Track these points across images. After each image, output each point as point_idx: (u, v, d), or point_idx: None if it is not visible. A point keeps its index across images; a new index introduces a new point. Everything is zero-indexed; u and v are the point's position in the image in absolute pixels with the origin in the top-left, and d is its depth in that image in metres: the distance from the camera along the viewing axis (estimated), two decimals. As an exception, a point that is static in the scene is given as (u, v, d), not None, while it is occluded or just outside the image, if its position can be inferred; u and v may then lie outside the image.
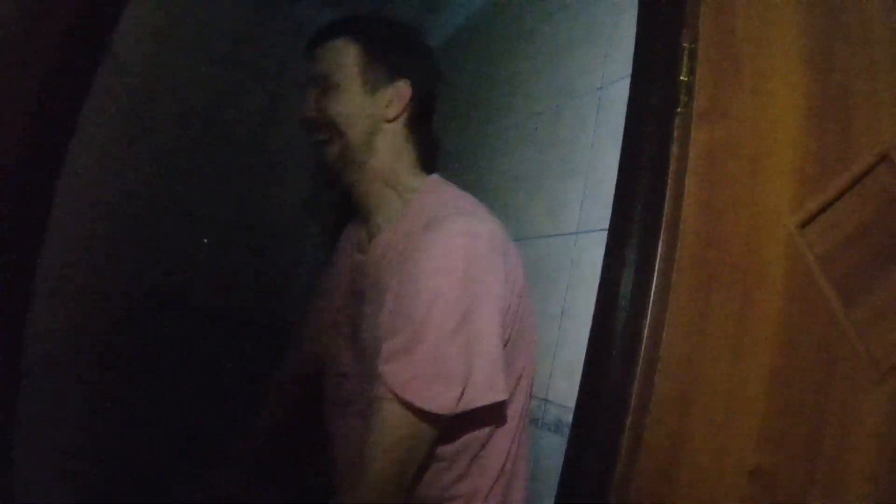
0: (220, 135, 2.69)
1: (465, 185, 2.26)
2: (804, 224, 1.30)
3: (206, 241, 2.67)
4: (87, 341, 1.74)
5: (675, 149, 1.23)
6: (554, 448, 1.47)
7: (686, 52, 1.28)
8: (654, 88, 1.31)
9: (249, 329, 2.69)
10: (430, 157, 1.56)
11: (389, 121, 1.46)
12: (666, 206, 1.20)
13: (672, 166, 1.21)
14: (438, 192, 1.44)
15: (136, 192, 1.98)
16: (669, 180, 1.21)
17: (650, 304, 1.16)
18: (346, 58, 1.44)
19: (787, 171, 1.30)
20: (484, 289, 1.18)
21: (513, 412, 1.35)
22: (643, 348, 1.16)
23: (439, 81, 1.62)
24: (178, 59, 2.13)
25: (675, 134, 1.23)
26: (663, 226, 1.18)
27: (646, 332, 1.16)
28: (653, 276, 1.17)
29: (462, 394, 1.13)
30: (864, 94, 1.46)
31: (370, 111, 1.44)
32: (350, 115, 1.42)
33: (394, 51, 1.49)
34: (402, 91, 1.46)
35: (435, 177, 1.51)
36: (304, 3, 3.01)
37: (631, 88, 1.36)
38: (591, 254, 1.54)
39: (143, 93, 1.82)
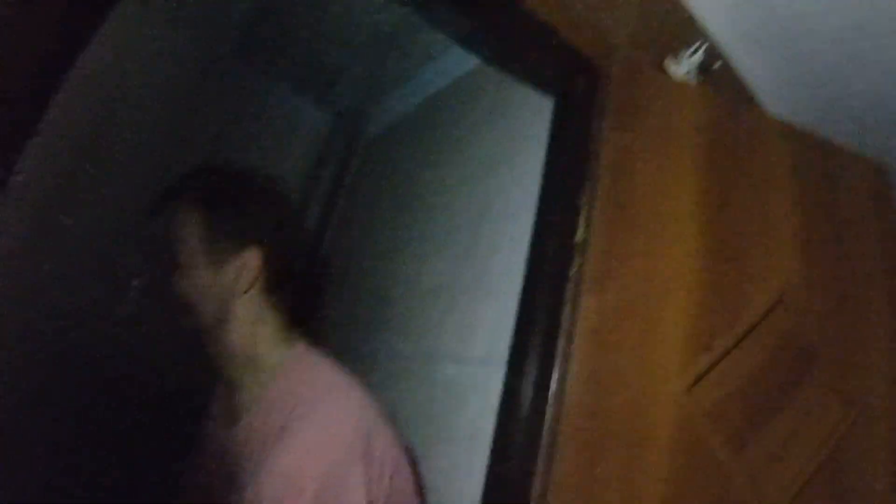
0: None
1: (384, 291, 2.30)
2: (693, 384, 1.34)
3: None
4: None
5: (566, 312, 1.25)
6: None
7: (583, 213, 1.31)
8: (549, 248, 1.34)
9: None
10: (296, 320, 1.47)
11: (241, 294, 1.35)
12: (555, 373, 1.22)
13: (563, 330, 1.24)
14: (302, 372, 1.36)
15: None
16: (559, 346, 1.23)
17: (537, 473, 1.17)
18: (188, 232, 1.34)
19: (679, 332, 1.34)
20: (342, 492, 1.15)
21: None
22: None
23: (295, 240, 1.53)
24: (115, 111, 2.13)
25: (567, 297, 1.26)
26: (550, 397, 1.20)
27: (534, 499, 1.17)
28: (540, 443, 1.18)
29: None
30: (760, 241, 1.52)
31: (218, 287, 1.33)
32: (197, 293, 1.33)
33: (238, 217, 1.39)
34: (249, 261, 1.35)
35: (300, 349, 1.41)
36: (250, 69, 3.03)
37: (529, 246, 1.39)
38: (500, 382, 1.55)
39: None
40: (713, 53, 1.92)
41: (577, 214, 1.32)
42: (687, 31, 1.95)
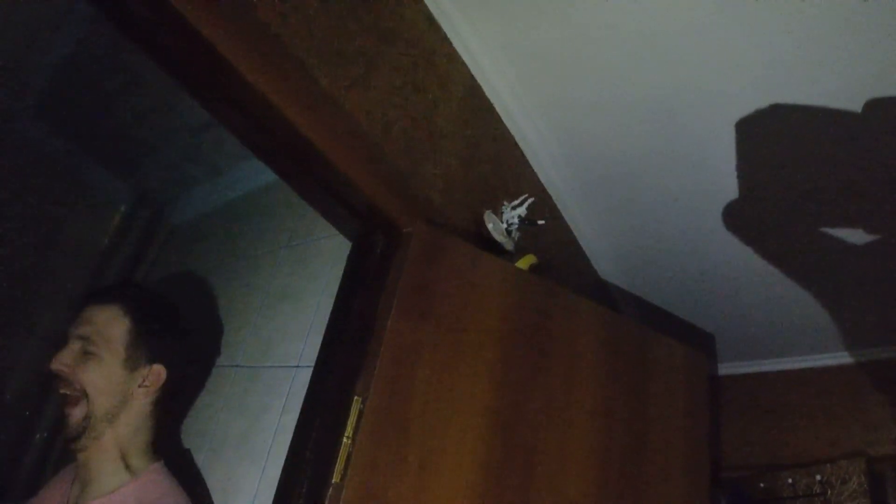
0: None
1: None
2: None
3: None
4: None
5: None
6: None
7: (352, 415, 1.11)
8: (310, 451, 1.13)
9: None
10: (165, 440, 1.59)
11: (141, 398, 1.50)
12: None
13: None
14: (151, 488, 1.43)
15: None
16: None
17: None
18: (116, 330, 1.49)
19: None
20: None
21: None
22: None
23: (193, 368, 1.70)
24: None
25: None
26: None
27: None
28: None
29: None
30: (554, 449, 1.36)
31: (123, 387, 1.47)
32: (104, 387, 1.44)
33: (159, 333, 1.55)
34: (158, 374, 1.52)
35: (158, 466, 1.50)
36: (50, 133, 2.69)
37: (290, 445, 1.18)
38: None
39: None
40: (538, 202, 1.82)
41: (345, 415, 1.11)
42: (515, 178, 1.85)
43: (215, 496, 1.58)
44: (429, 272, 1.27)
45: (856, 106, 1.44)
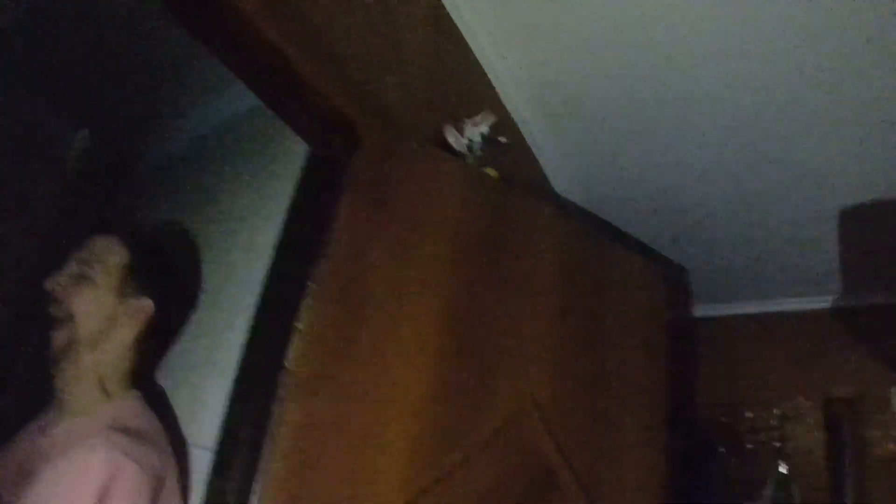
0: None
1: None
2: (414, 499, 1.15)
3: None
4: None
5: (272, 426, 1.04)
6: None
7: (307, 300, 1.11)
8: (265, 339, 1.14)
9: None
10: (145, 373, 1.60)
11: (125, 327, 1.50)
12: (253, 498, 1.01)
13: (266, 448, 1.03)
14: (127, 412, 1.44)
15: None
16: (260, 465, 1.02)
17: None
18: (112, 258, 1.52)
19: (402, 446, 1.15)
20: None
21: None
22: None
23: (181, 310, 1.70)
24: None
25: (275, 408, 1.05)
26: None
27: None
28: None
29: None
30: (508, 342, 1.38)
31: (110, 313, 1.48)
32: (92, 310, 1.46)
33: (152, 270, 1.58)
34: (147, 308, 1.53)
35: (136, 394, 1.51)
36: None
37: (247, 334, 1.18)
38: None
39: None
40: (501, 126, 1.81)
41: (299, 302, 1.11)
42: (478, 100, 1.84)
43: (182, 412, 1.59)
44: (384, 167, 1.27)
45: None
